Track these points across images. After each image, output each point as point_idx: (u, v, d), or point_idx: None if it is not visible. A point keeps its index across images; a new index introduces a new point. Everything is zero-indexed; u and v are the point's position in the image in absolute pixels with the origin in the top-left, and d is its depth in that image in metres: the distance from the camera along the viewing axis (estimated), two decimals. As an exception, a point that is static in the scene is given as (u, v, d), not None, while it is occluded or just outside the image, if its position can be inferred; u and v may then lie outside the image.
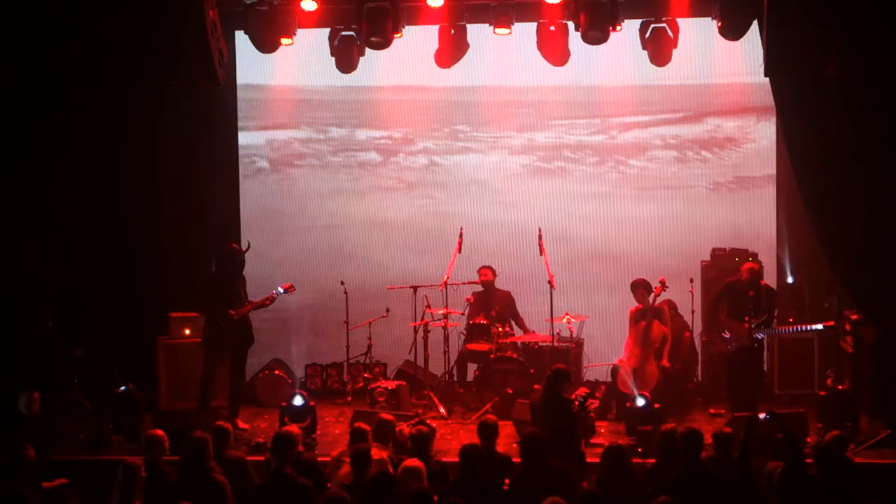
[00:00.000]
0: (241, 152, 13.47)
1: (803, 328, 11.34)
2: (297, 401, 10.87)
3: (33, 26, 11.07)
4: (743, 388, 11.18)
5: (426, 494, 7.48)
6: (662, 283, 11.64)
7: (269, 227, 13.51)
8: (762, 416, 8.49)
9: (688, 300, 12.19)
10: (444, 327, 12.22)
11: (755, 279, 11.19)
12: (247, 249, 11.44)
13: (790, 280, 12.44)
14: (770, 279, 12.19)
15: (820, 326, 11.17)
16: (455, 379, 12.47)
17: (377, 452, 8.73)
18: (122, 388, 11.23)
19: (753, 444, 8.00)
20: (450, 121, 13.43)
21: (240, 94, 13.31)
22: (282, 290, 11.47)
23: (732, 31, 11.38)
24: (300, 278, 12.98)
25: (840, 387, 10.66)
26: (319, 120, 13.56)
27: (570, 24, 11.78)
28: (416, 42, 12.45)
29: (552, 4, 11.78)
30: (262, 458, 9.42)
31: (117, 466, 7.94)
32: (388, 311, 12.57)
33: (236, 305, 11.20)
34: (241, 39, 12.46)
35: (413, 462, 8.13)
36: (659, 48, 11.84)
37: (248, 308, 11.29)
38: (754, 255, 12.23)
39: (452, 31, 12.15)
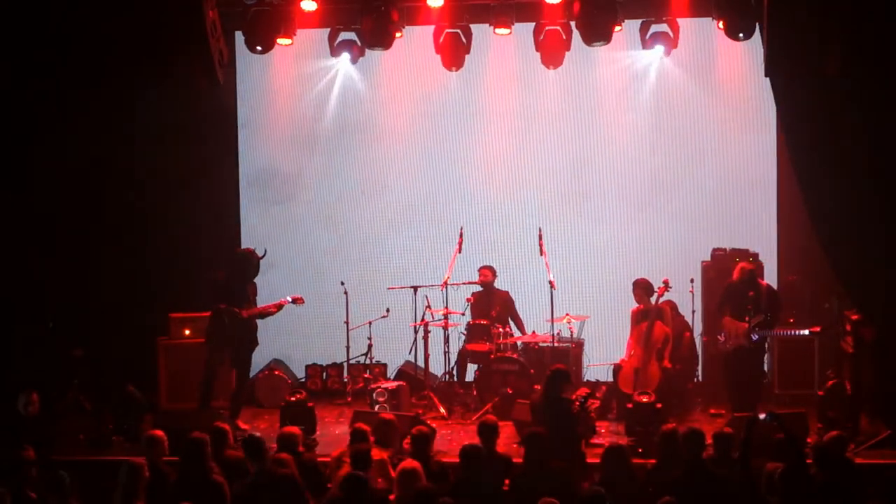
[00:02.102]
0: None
1: (793, 333, 11.33)
2: None
3: (33, 26, 11.08)
4: (743, 388, 11.19)
5: (430, 494, 7.48)
6: (666, 283, 11.61)
7: (270, 225, 13.51)
8: (762, 416, 8.48)
9: (688, 300, 12.17)
10: (444, 327, 12.21)
11: (749, 278, 11.20)
12: (262, 256, 11.37)
13: (795, 280, 12.38)
14: (770, 279, 12.18)
15: (806, 332, 11.13)
16: (455, 379, 12.46)
17: (377, 453, 8.73)
18: (121, 388, 11.25)
19: (754, 444, 7.99)
20: (447, 120, 13.40)
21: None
22: (290, 300, 11.45)
23: (735, 31, 11.40)
24: (300, 278, 13.01)
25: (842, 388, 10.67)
26: (316, 119, 13.56)
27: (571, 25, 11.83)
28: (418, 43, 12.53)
29: (552, 5, 11.80)
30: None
31: (119, 467, 7.94)
32: (388, 311, 12.56)
33: (244, 308, 11.18)
34: (242, 39, 12.47)
35: (410, 463, 8.13)
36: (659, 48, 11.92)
37: (256, 310, 11.25)
38: (754, 256, 12.21)
39: (458, 31, 12.21)
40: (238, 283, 11.21)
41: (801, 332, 11.21)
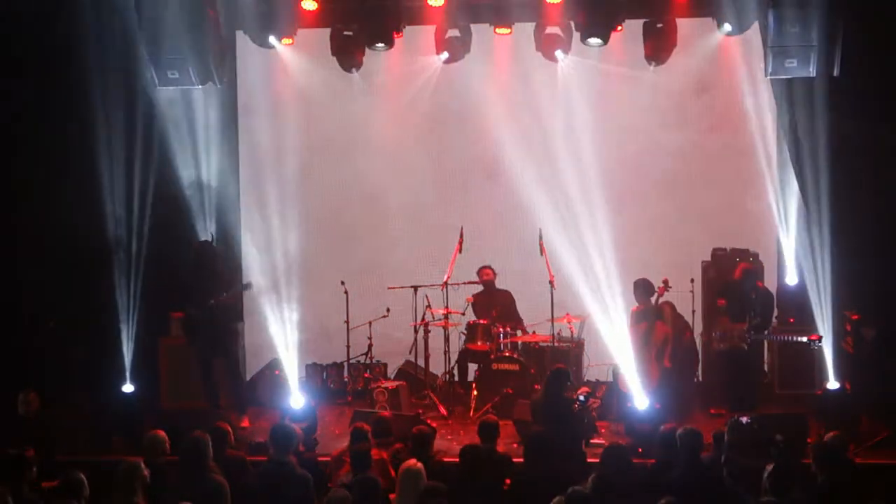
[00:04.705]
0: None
1: (789, 338, 11.30)
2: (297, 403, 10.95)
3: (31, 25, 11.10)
4: (740, 388, 11.20)
5: (438, 489, 7.50)
6: (665, 283, 11.61)
7: (270, 224, 13.49)
8: (744, 419, 8.53)
9: (688, 300, 12.17)
10: (444, 327, 12.22)
11: (750, 279, 11.19)
12: (213, 241, 11.39)
13: (796, 281, 12.33)
14: (770, 279, 12.18)
15: (804, 339, 11.10)
16: (455, 379, 12.46)
17: (377, 453, 8.74)
18: (124, 387, 11.27)
19: (751, 444, 8.02)
20: (447, 120, 13.39)
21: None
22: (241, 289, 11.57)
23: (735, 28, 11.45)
24: (301, 277, 12.98)
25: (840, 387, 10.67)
26: (317, 119, 13.54)
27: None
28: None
29: (553, 4, 11.81)
30: (262, 458, 9.40)
31: (119, 466, 7.93)
32: (388, 311, 12.57)
33: (200, 300, 11.20)
34: (242, 39, 12.46)
35: (411, 463, 8.13)
36: (659, 47, 11.91)
37: (222, 299, 11.27)
38: (755, 256, 12.22)
39: (458, 30, 12.23)
40: (194, 276, 11.22)
41: (800, 339, 11.15)
